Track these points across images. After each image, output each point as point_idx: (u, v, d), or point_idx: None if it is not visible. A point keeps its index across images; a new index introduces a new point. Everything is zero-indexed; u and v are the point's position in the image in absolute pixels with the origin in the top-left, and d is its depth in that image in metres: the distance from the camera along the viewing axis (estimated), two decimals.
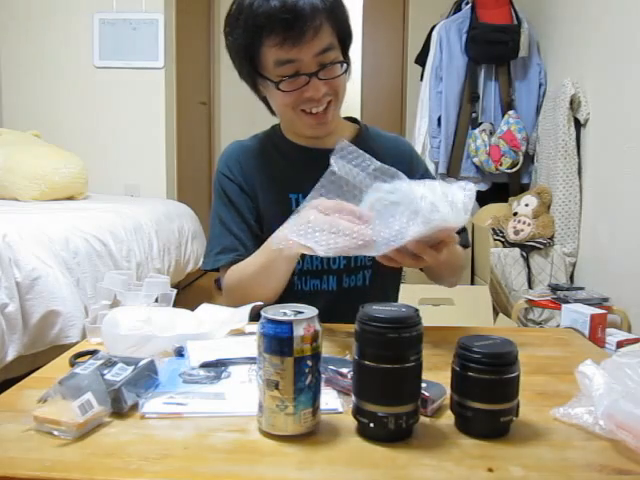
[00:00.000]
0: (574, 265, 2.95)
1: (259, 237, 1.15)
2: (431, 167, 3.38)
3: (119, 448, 0.62)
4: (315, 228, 0.80)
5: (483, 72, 3.39)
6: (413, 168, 1.26)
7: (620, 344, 1.92)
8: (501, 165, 3.27)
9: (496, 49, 3.30)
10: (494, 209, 3.23)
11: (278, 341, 0.63)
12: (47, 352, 1.90)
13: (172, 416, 0.69)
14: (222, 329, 0.95)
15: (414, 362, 0.64)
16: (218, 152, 4.95)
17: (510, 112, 3.29)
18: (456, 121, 3.41)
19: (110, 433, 0.65)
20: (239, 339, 0.93)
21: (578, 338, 1.08)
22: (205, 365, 0.82)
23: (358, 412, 0.65)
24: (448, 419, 0.68)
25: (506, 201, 3.27)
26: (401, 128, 4.66)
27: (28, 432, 0.65)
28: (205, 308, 1.02)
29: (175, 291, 1.06)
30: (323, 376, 0.70)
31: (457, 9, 3.53)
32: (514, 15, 3.33)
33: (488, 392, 0.64)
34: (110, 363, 0.73)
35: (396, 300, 1.29)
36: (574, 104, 2.87)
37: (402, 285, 1.32)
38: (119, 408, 0.69)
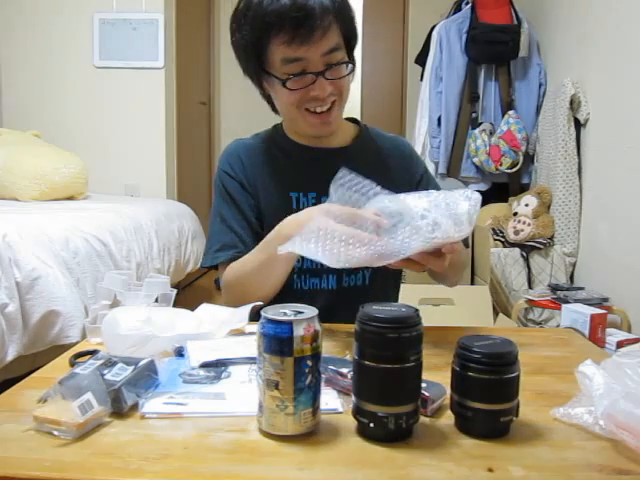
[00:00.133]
0: (574, 265, 2.95)
1: (259, 234, 1.15)
2: (431, 167, 3.38)
3: (119, 448, 0.62)
4: (327, 237, 0.80)
5: (483, 72, 3.39)
6: (413, 168, 1.26)
7: (620, 344, 1.92)
8: (501, 165, 3.27)
9: (496, 49, 3.30)
10: (494, 209, 3.23)
11: (278, 341, 0.63)
12: (47, 352, 1.90)
13: (172, 416, 0.69)
14: (222, 329, 0.95)
15: (414, 362, 0.64)
16: (218, 152, 4.95)
17: (510, 112, 3.29)
18: (456, 121, 3.40)
19: (110, 433, 0.65)
20: (239, 339, 0.93)
21: (578, 338, 1.08)
22: (205, 365, 0.82)
23: (358, 412, 0.65)
24: (448, 419, 0.68)
25: (506, 201, 3.27)
26: (401, 128, 4.66)
27: (28, 432, 0.65)
28: (205, 308, 1.02)
29: (175, 291, 1.06)
30: (323, 376, 0.71)
31: (457, 9, 3.53)
32: (514, 15, 3.33)
33: (488, 392, 0.64)
34: (110, 363, 0.73)
35: (396, 300, 1.29)
36: (574, 104, 2.87)
37: (402, 285, 1.31)
38: (119, 408, 0.69)
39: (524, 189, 3.34)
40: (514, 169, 3.28)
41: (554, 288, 2.64)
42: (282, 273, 1.06)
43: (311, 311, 0.65)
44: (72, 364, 0.85)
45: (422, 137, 3.49)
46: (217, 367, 0.82)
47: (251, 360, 0.78)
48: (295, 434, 0.64)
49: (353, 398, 0.66)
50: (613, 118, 2.61)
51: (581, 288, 2.63)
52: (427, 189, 0.96)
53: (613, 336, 1.97)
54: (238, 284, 1.11)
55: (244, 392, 0.74)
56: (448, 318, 2.41)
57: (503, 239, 3.02)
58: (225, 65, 5.09)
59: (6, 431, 0.66)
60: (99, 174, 3.71)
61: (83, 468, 0.59)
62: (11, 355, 1.80)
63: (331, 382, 0.76)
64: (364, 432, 0.65)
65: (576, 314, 1.99)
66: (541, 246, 2.91)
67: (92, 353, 0.84)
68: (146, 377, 0.74)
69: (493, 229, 3.06)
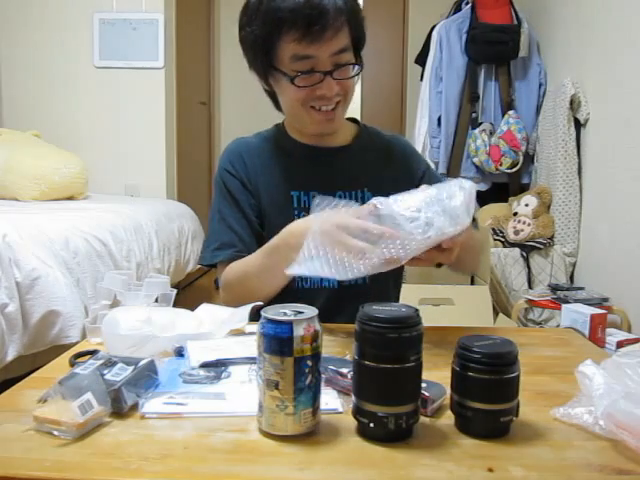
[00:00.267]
0: (574, 265, 2.95)
1: (259, 234, 1.16)
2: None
3: (119, 448, 0.62)
4: (329, 254, 0.83)
5: (483, 72, 3.39)
6: (414, 166, 1.26)
7: (620, 344, 1.92)
8: (501, 165, 3.27)
9: (496, 49, 3.30)
10: (494, 209, 3.24)
11: (278, 341, 0.63)
12: (47, 352, 1.90)
13: (172, 416, 0.69)
14: (222, 329, 0.95)
15: (414, 362, 0.64)
16: (218, 152, 4.95)
17: (510, 112, 3.29)
18: (456, 121, 3.41)
19: (110, 433, 0.65)
20: (239, 339, 0.93)
21: (578, 338, 1.08)
22: (205, 365, 0.82)
23: (358, 412, 0.65)
24: (448, 419, 0.68)
25: (506, 201, 3.27)
26: (401, 128, 4.66)
27: (28, 432, 0.65)
28: (205, 308, 1.02)
29: (175, 291, 1.06)
30: (323, 376, 0.71)
31: (457, 9, 3.53)
32: (514, 15, 3.33)
33: (488, 392, 0.64)
34: (110, 363, 0.73)
35: (397, 299, 1.29)
36: (574, 104, 2.87)
37: (402, 285, 1.31)
38: (119, 408, 0.69)
39: (524, 189, 3.34)
40: (514, 169, 3.28)
41: (554, 288, 2.64)
42: (286, 277, 1.06)
43: (311, 311, 0.65)
44: (72, 364, 0.85)
45: (422, 137, 3.49)
46: (217, 367, 0.82)
47: (251, 360, 0.78)
48: (295, 434, 0.64)
49: (353, 398, 0.66)
50: (613, 118, 2.61)
51: (581, 288, 2.63)
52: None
53: (613, 336, 1.98)
54: (239, 285, 1.11)
55: (244, 392, 0.74)
56: (448, 318, 2.41)
57: (503, 239, 3.02)
58: (225, 65, 5.09)
59: (6, 431, 0.66)
60: (99, 174, 3.71)
61: (83, 468, 0.59)
62: (11, 355, 1.80)
63: (331, 382, 0.76)
64: (364, 432, 0.65)
65: (576, 314, 1.99)
66: (541, 246, 2.91)
67: (92, 353, 0.84)
68: (146, 377, 0.74)
69: (493, 229, 3.06)
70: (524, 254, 2.92)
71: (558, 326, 2.44)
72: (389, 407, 0.63)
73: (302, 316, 0.64)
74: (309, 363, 0.63)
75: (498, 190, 3.39)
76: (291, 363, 0.63)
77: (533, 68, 3.39)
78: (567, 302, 2.33)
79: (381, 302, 0.67)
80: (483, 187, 3.39)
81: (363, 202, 1.09)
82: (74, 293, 2.01)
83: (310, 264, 0.84)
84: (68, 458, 0.60)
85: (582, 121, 2.88)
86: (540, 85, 3.39)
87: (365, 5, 4.74)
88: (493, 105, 3.42)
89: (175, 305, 1.03)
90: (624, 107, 2.50)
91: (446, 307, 2.55)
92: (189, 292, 3.96)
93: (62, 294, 1.95)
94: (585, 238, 2.89)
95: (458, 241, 0.87)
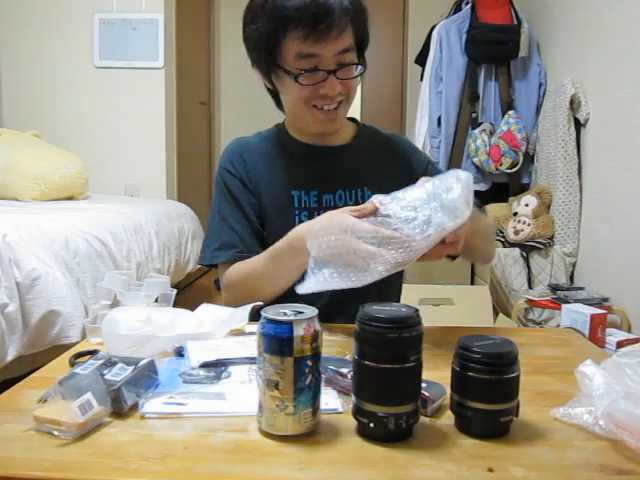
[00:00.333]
0: (574, 265, 2.95)
1: (260, 233, 1.15)
2: None
3: (119, 448, 0.62)
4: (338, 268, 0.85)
5: (483, 72, 3.39)
6: (414, 162, 1.25)
7: (620, 344, 1.92)
8: (501, 165, 3.27)
9: (496, 49, 3.30)
10: (494, 209, 3.23)
11: (278, 341, 0.63)
12: (47, 352, 1.90)
13: (172, 416, 0.69)
14: (222, 329, 0.95)
15: (414, 362, 0.64)
16: (218, 152, 4.95)
17: (510, 112, 3.30)
18: (456, 121, 3.41)
19: (110, 433, 0.65)
20: (239, 339, 0.93)
21: (578, 338, 1.08)
22: (205, 365, 0.82)
23: (358, 412, 0.65)
24: (448, 419, 0.68)
25: (506, 201, 3.27)
26: (401, 128, 4.66)
27: (28, 432, 0.65)
28: (205, 308, 1.02)
29: (175, 291, 1.06)
30: (323, 376, 0.70)
31: (457, 9, 3.53)
32: (514, 15, 3.33)
33: (488, 392, 0.64)
34: (110, 363, 0.73)
35: (398, 298, 1.29)
36: (574, 104, 2.87)
37: (402, 285, 1.31)
38: (119, 408, 0.69)
39: (524, 189, 3.34)
40: (514, 169, 3.28)
41: (554, 288, 2.64)
42: (292, 280, 1.06)
43: (311, 311, 0.65)
44: (72, 364, 0.85)
45: (422, 137, 3.49)
46: (217, 367, 0.82)
47: (251, 360, 0.78)
48: (295, 434, 0.64)
49: (353, 398, 0.66)
50: (613, 118, 2.61)
51: (581, 288, 2.63)
52: None
53: (613, 336, 1.97)
54: (242, 286, 1.10)
55: (244, 392, 0.74)
56: (448, 318, 2.41)
57: (503, 239, 3.02)
58: (225, 65, 5.09)
59: (6, 431, 0.66)
60: (99, 174, 3.71)
61: (83, 468, 0.59)
62: (11, 355, 1.80)
63: (331, 382, 0.76)
64: (364, 432, 0.65)
65: (576, 314, 1.99)
66: (541, 246, 2.91)
67: (92, 353, 0.84)
68: (146, 377, 0.74)
69: None
70: (524, 254, 2.92)
71: (558, 326, 2.44)
72: (389, 407, 0.63)
73: (302, 316, 0.64)
74: (309, 363, 0.63)
75: (498, 190, 3.39)
76: (291, 363, 0.63)
77: (533, 68, 3.39)
78: (567, 302, 2.33)
79: (381, 302, 0.67)
80: (483, 187, 3.39)
81: (363, 201, 1.10)
82: (74, 293, 2.01)
83: (321, 280, 0.86)
84: (68, 458, 0.60)
85: (582, 121, 2.88)
86: (540, 85, 3.39)
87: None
88: (493, 105, 3.42)
89: (175, 305, 1.03)
90: (624, 107, 2.50)
91: (446, 307, 2.55)
92: (189, 292, 3.96)
93: (62, 294, 1.95)
94: (585, 238, 2.89)
95: (462, 233, 0.87)
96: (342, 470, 0.59)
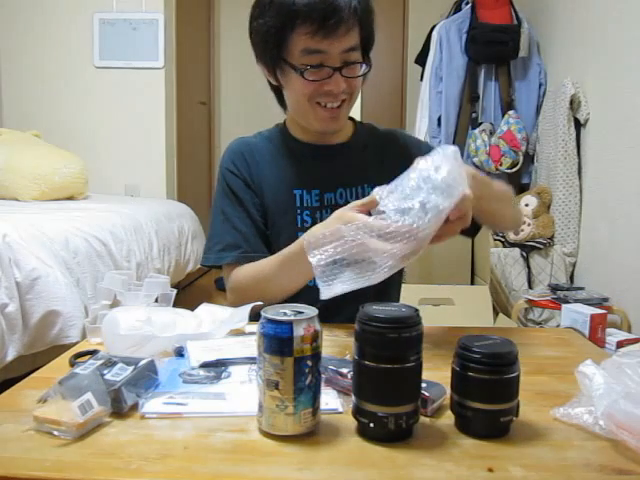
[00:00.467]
0: (574, 265, 2.95)
1: (264, 233, 1.15)
2: None
3: (119, 448, 0.62)
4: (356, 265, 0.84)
5: (483, 72, 3.39)
6: (414, 155, 1.25)
7: (620, 344, 1.92)
8: (501, 165, 3.27)
9: (496, 49, 3.30)
10: None
11: (278, 341, 0.63)
12: (47, 352, 1.90)
13: (172, 416, 0.69)
14: (222, 329, 0.95)
15: (414, 362, 0.64)
16: (218, 152, 4.95)
17: (510, 112, 3.29)
18: (456, 121, 3.41)
19: (110, 433, 0.65)
20: (239, 339, 0.93)
21: (578, 338, 1.08)
22: (205, 365, 0.82)
23: (358, 412, 0.65)
24: (448, 419, 0.68)
25: None
26: (401, 128, 4.66)
27: (28, 432, 0.65)
28: (205, 308, 1.02)
29: (175, 291, 1.06)
30: (323, 376, 0.70)
31: (457, 9, 3.53)
32: (514, 15, 3.33)
33: (488, 392, 0.64)
34: (110, 363, 0.73)
35: (398, 298, 1.29)
36: (574, 104, 2.87)
37: (402, 285, 1.31)
38: (119, 408, 0.69)
39: (524, 189, 3.34)
40: (514, 169, 3.28)
41: (554, 288, 2.64)
42: (302, 283, 1.06)
43: (311, 311, 0.65)
44: (72, 364, 0.85)
45: (422, 137, 3.49)
46: (217, 367, 0.82)
47: (251, 360, 0.78)
48: (295, 434, 0.64)
49: (353, 398, 0.66)
50: (613, 118, 2.61)
51: (581, 288, 2.63)
52: None
53: (613, 336, 1.97)
54: (252, 288, 1.10)
55: (244, 392, 0.74)
56: (448, 318, 2.41)
57: (503, 239, 3.02)
58: (225, 65, 5.09)
59: (6, 431, 0.66)
60: (99, 174, 3.71)
61: (83, 468, 0.59)
62: (11, 355, 1.80)
63: (331, 382, 0.76)
64: (364, 432, 0.65)
65: (576, 314, 1.99)
66: (541, 246, 2.91)
67: (92, 353, 0.84)
68: (146, 377, 0.74)
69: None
70: (524, 254, 2.92)
71: (558, 326, 2.44)
72: (389, 407, 0.63)
73: (302, 316, 0.64)
74: (309, 363, 0.63)
75: None
76: (291, 363, 0.63)
77: (533, 68, 3.39)
78: (567, 302, 2.33)
79: (381, 302, 0.67)
80: None
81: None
82: (74, 293, 2.01)
83: (337, 283, 0.85)
84: (68, 458, 0.60)
85: (582, 121, 2.88)
86: (540, 85, 3.39)
87: None
88: (493, 105, 3.42)
89: (175, 305, 1.03)
90: (624, 107, 2.50)
91: (446, 307, 2.55)
92: (189, 292, 3.96)
93: (62, 294, 1.95)
94: (585, 238, 2.89)
95: (464, 207, 0.84)
96: (342, 470, 0.59)
